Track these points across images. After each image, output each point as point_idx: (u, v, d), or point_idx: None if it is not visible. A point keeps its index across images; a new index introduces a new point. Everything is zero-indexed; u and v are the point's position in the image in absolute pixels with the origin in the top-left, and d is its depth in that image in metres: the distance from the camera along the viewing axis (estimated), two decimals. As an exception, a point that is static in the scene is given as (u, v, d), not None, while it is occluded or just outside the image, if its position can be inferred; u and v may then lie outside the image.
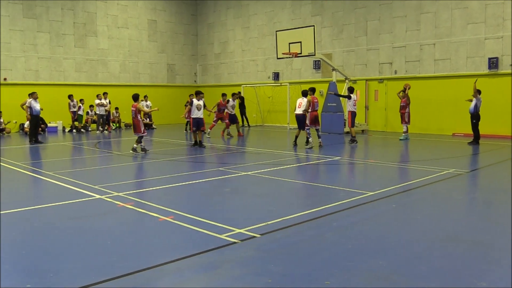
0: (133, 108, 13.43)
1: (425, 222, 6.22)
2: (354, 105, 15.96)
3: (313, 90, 14.96)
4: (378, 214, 6.68)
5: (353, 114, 15.89)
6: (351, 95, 15.93)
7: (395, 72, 20.70)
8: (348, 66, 22.16)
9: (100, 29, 25.61)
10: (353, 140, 15.54)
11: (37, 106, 17.25)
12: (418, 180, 9.07)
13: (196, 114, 14.70)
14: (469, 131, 15.63)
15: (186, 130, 21.30)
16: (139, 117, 13.44)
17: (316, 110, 14.59)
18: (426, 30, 19.54)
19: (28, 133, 18.00)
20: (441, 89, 19.18)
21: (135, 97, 13.49)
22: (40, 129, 21.31)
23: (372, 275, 4.33)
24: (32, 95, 17.57)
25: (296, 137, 14.96)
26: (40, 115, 17.93)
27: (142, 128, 13.49)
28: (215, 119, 19.04)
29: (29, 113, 17.35)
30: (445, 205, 7.31)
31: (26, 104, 17.50)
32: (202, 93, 15.30)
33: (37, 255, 5.00)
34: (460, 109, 17.70)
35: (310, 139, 14.28)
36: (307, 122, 14.38)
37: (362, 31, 21.66)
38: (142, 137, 13.55)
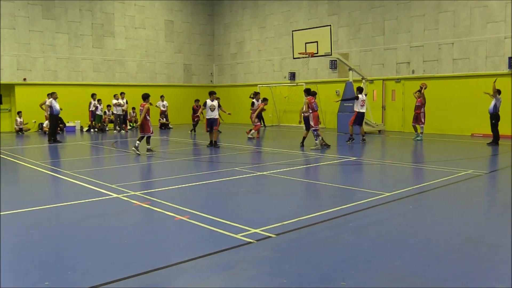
0: (141, 108, 13.50)
1: (443, 224, 6.13)
2: (362, 105, 15.80)
3: (307, 91, 14.82)
4: (395, 215, 6.62)
5: (358, 115, 15.75)
6: (359, 95, 15.78)
7: (413, 72, 20.49)
8: (365, 66, 22.01)
9: (117, 30, 25.85)
10: (350, 138, 15.84)
11: (57, 106, 17.57)
12: (436, 181, 8.95)
13: (210, 114, 14.76)
14: (488, 131, 15.39)
15: (191, 131, 21.12)
16: (147, 116, 13.42)
17: (316, 111, 14.43)
18: (444, 29, 19.30)
19: (47, 132, 18.25)
20: (460, 89, 18.92)
21: (145, 97, 13.50)
22: (58, 128, 21.64)
23: (389, 276, 4.28)
24: (52, 95, 17.88)
25: (304, 138, 14.75)
26: (59, 115, 18.18)
27: (151, 128, 13.48)
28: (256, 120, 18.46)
29: (49, 112, 17.69)
30: (464, 206, 7.20)
31: (47, 104, 17.84)
32: (215, 93, 15.35)
33: (55, 253, 5.05)
34: (479, 109, 17.44)
35: (317, 140, 14.06)
36: (312, 123, 14.22)
37: (379, 31, 21.49)
38: (149, 137, 13.51)
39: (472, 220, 6.39)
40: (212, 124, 14.76)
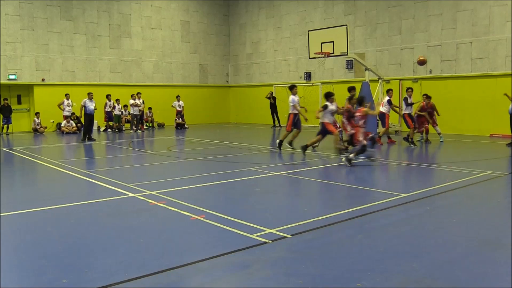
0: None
1: (461, 226, 6.06)
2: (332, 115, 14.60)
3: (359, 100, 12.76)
4: (412, 216, 6.55)
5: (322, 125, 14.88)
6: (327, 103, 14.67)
7: (430, 72, 20.28)
8: (381, 66, 21.84)
9: (134, 30, 26.06)
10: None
11: (90, 105, 18.19)
12: (453, 182, 8.84)
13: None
14: (508, 132, 15.16)
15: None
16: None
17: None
18: (463, 28, 19.06)
19: (83, 131, 18.94)
20: (478, 89, 18.67)
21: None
22: (75, 128, 21.91)
23: (405, 278, 4.25)
24: (88, 95, 18.75)
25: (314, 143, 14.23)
26: (92, 114, 18.77)
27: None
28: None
29: (83, 112, 18.59)
30: (482, 208, 7.10)
31: (82, 104, 18.73)
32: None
33: (73, 251, 5.11)
34: (498, 109, 17.20)
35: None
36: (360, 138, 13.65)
37: (396, 30, 21.31)
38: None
39: (490, 222, 6.29)
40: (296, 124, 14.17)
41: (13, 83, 22.65)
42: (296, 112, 14.17)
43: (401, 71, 21.33)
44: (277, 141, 14.32)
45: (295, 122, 14.19)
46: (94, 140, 18.21)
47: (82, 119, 19.35)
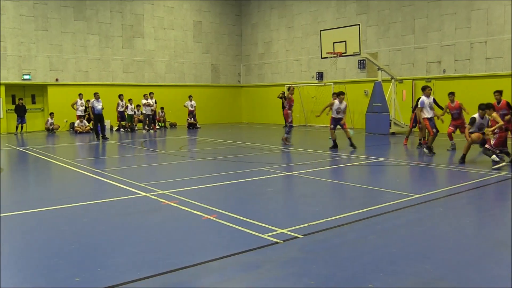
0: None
1: (475, 227, 5.99)
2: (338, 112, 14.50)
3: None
4: (424, 217, 6.49)
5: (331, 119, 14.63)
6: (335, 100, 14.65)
7: (444, 71, 20.10)
8: (394, 66, 21.70)
9: (146, 31, 26.20)
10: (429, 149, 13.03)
11: (98, 105, 18.39)
12: (467, 183, 8.76)
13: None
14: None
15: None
16: None
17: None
18: (477, 27, 18.86)
19: (94, 131, 19.29)
20: (493, 89, 18.28)
21: None
22: (89, 127, 22.09)
23: (417, 280, 4.21)
24: (95, 95, 18.88)
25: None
26: (100, 114, 18.88)
27: None
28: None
29: (92, 112, 18.89)
30: (496, 209, 7.02)
31: (90, 105, 19.03)
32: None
33: (86, 249, 5.15)
34: (513, 109, 16.95)
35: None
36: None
37: (409, 30, 21.16)
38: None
39: (504, 224, 6.21)
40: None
41: (27, 83, 22.91)
42: (430, 116, 13.05)
43: (414, 70, 21.17)
44: (424, 149, 13.20)
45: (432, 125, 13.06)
46: (107, 139, 18.37)
47: (77, 120, 19.87)
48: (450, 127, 14.05)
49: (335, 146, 14.09)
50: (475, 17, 18.91)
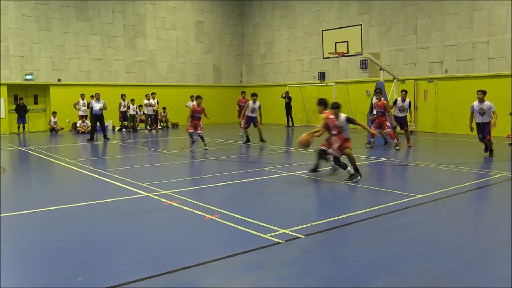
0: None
1: (477, 227, 5.99)
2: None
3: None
4: (427, 217, 6.49)
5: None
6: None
7: (446, 72, 20.07)
8: (396, 66, 21.68)
9: (148, 31, 26.23)
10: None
11: (96, 106, 18.31)
12: (469, 183, 8.74)
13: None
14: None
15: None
16: None
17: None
18: (479, 27, 18.83)
19: (90, 131, 19.22)
20: (496, 89, 18.36)
21: None
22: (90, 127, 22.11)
23: (419, 280, 4.21)
24: (95, 96, 18.91)
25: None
26: (97, 115, 18.74)
27: None
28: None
29: (90, 113, 18.96)
30: (499, 210, 7.01)
31: (90, 106, 19.06)
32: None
33: (88, 249, 5.16)
34: (515, 109, 16.92)
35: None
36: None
37: (411, 30, 21.13)
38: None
39: (506, 225, 6.20)
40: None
41: (29, 83, 22.94)
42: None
43: (416, 70, 21.15)
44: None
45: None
46: (109, 139, 18.36)
47: (79, 120, 20.17)
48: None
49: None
50: (477, 17, 18.88)
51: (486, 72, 18.79)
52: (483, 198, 7.68)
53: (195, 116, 14.51)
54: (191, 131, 14.24)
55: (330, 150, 9.22)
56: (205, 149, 14.32)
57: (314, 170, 9.63)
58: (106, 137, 18.44)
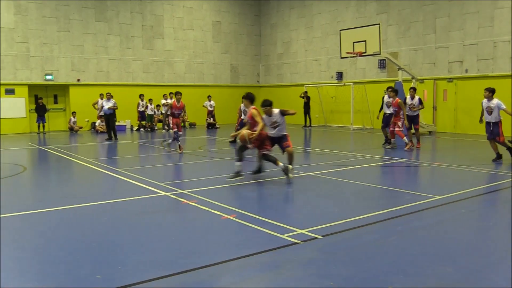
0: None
1: (498, 230, 5.88)
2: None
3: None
4: (446, 219, 6.40)
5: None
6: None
7: (466, 71, 19.78)
8: (415, 65, 21.45)
9: (166, 31, 26.39)
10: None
11: (105, 106, 18.51)
12: (490, 184, 8.60)
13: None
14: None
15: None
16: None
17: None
18: (500, 26, 18.51)
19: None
20: (517, 89, 18.09)
21: None
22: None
23: (438, 282, 4.15)
24: (106, 95, 19.03)
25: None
26: (106, 114, 18.74)
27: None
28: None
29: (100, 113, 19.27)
30: (520, 211, 6.87)
31: (101, 105, 19.30)
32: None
33: (106, 248, 5.21)
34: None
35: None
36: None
37: (430, 29, 20.88)
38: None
39: (529, 226, 6.09)
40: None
41: (50, 83, 23.28)
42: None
43: (435, 70, 20.89)
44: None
45: None
46: (111, 139, 18.11)
47: (98, 120, 20.65)
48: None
49: (234, 141, 15.04)
50: (498, 15, 18.56)
51: (508, 72, 18.46)
52: (503, 200, 7.54)
53: (175, 113, 13.57)
54: (175, 130, 13.38)
55: (251, 146, 9.10)
56: (180, 152, 13.50)
57: (258, 171, 9.51)
58: (115, 137, 18.33)
